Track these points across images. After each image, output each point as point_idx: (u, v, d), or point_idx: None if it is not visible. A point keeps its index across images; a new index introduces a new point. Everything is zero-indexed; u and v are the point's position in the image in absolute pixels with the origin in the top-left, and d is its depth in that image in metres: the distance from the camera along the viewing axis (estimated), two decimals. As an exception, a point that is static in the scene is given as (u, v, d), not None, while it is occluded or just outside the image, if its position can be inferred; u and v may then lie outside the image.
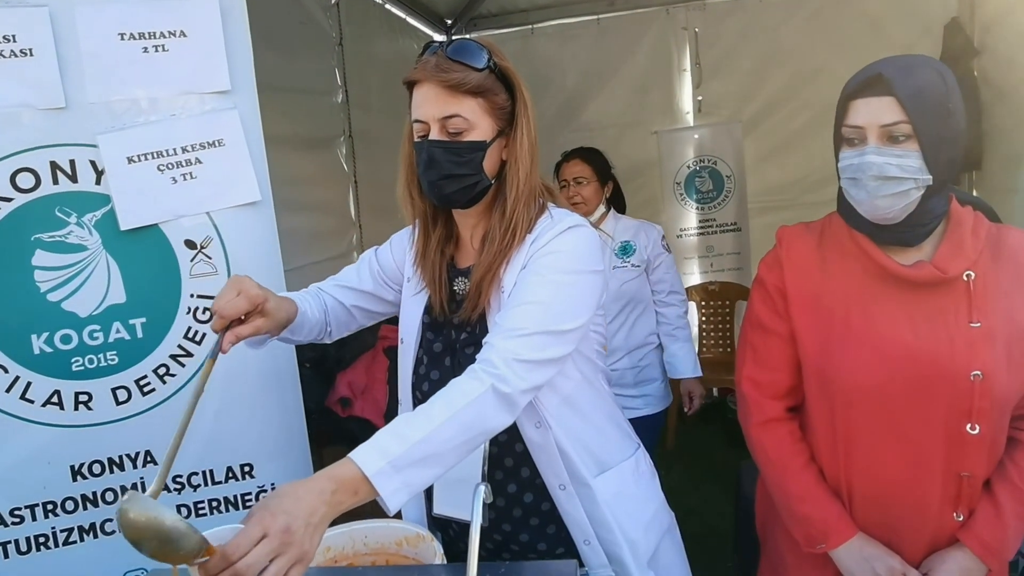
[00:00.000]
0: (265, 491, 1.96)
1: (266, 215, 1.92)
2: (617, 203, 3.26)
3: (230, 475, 1.93)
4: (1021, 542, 1.52)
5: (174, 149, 1.83)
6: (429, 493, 1.59)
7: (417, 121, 1.45)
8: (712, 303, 5.46)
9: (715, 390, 5.56)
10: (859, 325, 1.48)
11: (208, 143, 1.84)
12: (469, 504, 1.21)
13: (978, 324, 1.41)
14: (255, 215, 1.90)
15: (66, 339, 1.80)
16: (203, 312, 1.88)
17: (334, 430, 3.36)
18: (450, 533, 1.63)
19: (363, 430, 3.30)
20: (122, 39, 1.79)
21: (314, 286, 1.75)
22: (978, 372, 1.39)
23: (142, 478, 1.87)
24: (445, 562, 1.37)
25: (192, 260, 1.86)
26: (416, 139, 1.47)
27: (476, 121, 1.43)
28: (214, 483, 1.92)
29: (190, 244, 1.86)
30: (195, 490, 1.90)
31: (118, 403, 1.85)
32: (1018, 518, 1.47)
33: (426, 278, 1.58)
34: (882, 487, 1.51)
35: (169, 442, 1.23)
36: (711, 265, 5.53)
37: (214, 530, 1.17)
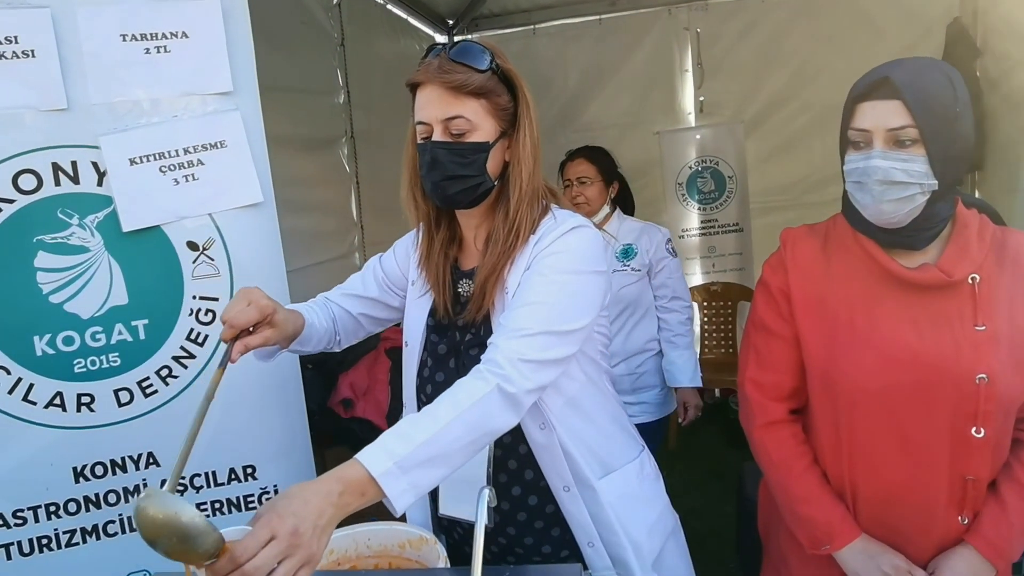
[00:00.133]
0: (268, 492, 1.96)
1: (268, 216, 1.92)
2: (624, 204, 3.18)
3: (233, 476, 1.93)
4: (1026, 544, 1.52)
5: (176, 150, 1.83)
6: (434, 495, 1.59)
7: (420, 123, 1.45)
8: (714, 304, 5.45)
9: (717, 391, 5.56)
10: (864, 328, 1.48)
11: (210, 144, 1.84)
12: (474, 505, 1.20)
13: (983, 327, 1.41)
14: (257, 216, 1.90)
15: (68, 341, 1.80)
16: (205, 314, 1.88)
17: (336, 431, 3.36)
18: (455, 536, 1.63)
19: (365, 431, 3.30)
20: (124, 40, 1.79)
21: (321, 296, 1.76)
22: (983, 375, 1.39)
23: (144, 480, 1.87)
24: (449, 565, 1.36)
25: (194, 262, 1.86)
26: (419, 141, 1.47)
27: (479, 122, 1.43)
28: (217, 485, 1.92)
29: (192, 246, 1.85)
30: (198, 491, 1.90)
31: (120, 405, 1.85)
32: (1025, 518, 1.47)
33: (430, 280, 1.58)
34: (886, 490, 1.51)
35: (175, 444, 1.22)
36: (713, 266, 5.53)
37: (222, 531, 1.18)
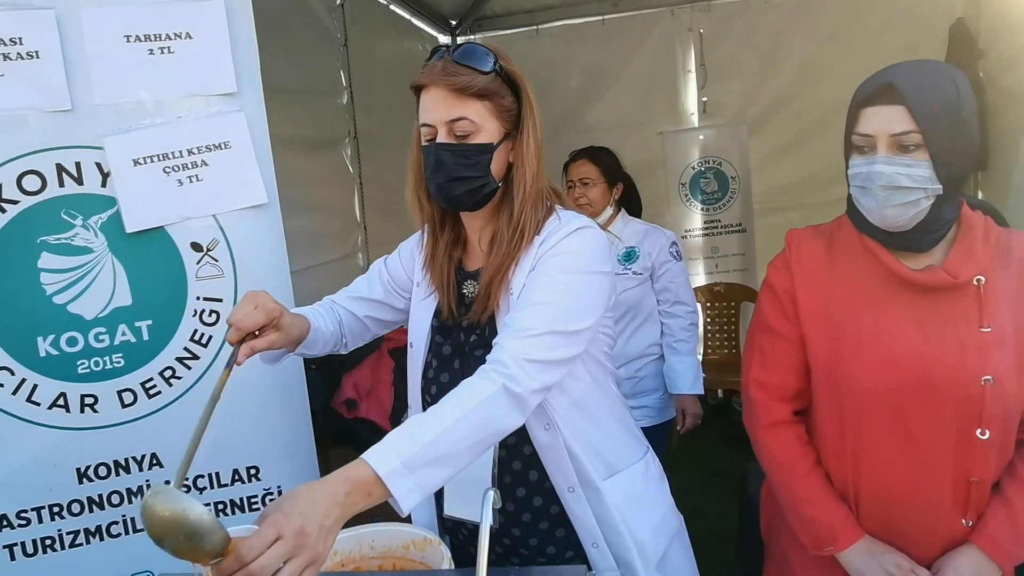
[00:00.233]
0: (271, 494, 1.96)
1: (273, 217, 1.92)
2: (630, 205, 3.14)
3: (236, 478, 1.93)
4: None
5: (180, 151, 1.83)
6: (439, 496, 1.59)
7: (424, 125, 1.46)
8: (717, 304, 5.45)
9: (720, 391, 5.56)
10: (869, 329, 1.47)
11: (214, 145, 1.84)
12: (479, 505, 1.20)
13: (989, 329, 1.40)
14: (261, 217, 1.90)
15: (72, 341, 1.80)
16: (209, 315, 1.88)
17: (340, 432, 3.36)
18: (459, 537, 1.63)
19: (368, 432, 3.31)
20: (128, 41, 1.79)
21: (327, 299, 1.77)
22: (989, 377, 1.39)
23: (148, 481, 1.87)
24: (453, 567, 1.36)
25: (198, 263, 1.86)
26: (424, 143, 1.48)
27: (483, 124, 1.44)
28: (220, 486, 1.92)
29: (196, 246, 1.86)
30: (201, 492, 1.90)
31: (124, 406, 1.85)
32: (1030, 518, 1.46)
33: (435, 281, 1.59)
34: (890, 491, 1.51)
35: (178, 445, 1.23)
36: (716, 266, 5.53)
37: (229, 530, 1.18)
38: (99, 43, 1.77)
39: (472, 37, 5.82)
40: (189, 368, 1.88)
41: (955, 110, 1.35)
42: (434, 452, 1.18)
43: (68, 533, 1.83)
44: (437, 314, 1.60)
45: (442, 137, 1.44)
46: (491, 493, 1.20)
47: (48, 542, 1.81)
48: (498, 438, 1.30)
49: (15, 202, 1.74)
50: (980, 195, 4.51)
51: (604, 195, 2.97)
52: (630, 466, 1.60)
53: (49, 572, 1.81)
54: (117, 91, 1.79)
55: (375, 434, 3.26)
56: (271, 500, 1.95)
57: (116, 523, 1.86)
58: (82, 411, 1.82)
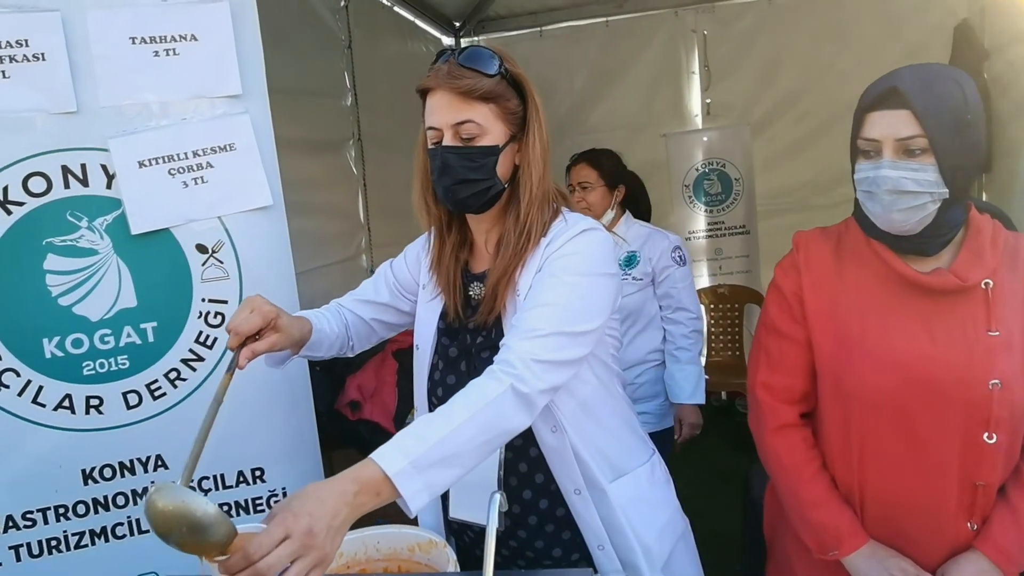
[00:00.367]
0: (276, 495, 1.96)
1: (278, 219, 1.92)
2: (637, 206, 3.09)
3: (241, 479, 1.93)
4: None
5: (185, 153, 1.82)
6: (445, 498, 1.59)
7: (431, 128, 1.47)
8: (721, 306, 5.45)
9: (723, 393, 5.56)
10: (876, 332, 1.47)
11: (219, 147, 1.84)
12: (485, 508, 1.21)
13: (997, 333, 1.40)
14: (267, 219, 1.90)
15: (77, 343, 1.80)
16: (215, 316, 1.88)
17: (344, 433, 3.36)
18: (465, 539, 1.63)
19: (372, 433, 3.31)
20: (133, 43, 1.79)
21: (334, 302, 1.78)
22: (996, 381, 1.38)
23: (153, 482, 1.87)
24: (458, 569, 1.36)
25: (203, 264, 1.86)
26: (430, 146, 1.49)
27: (488, 126, 1.44)
28: (225, 487, 1.92)
29: (201, 248, 1.85)
30: (206, 494, 1.90)
31: (129, 407, 1.85)
32: (1036, 523, 1.46)
33: (441, 284, 1.59)
34: (896, 495, 1.50)
35: (183, 447, 1.23)
36: (720, 268, 5.52)
37: (238, 528, 1.19)
38: (105, 45, 1.77)
39: (476, 39, 5.83)
40: (194, 370, 1.88)
41: (961, 114, 1.35)
42: (442, 452, 1.18)
43: (74, 534, 1.83)
44: (443, 316, 1.60)
45: (448, 140, 1.45)
46: (497, 496, 1.20)
47: (54, 543, 1.81)
48: (506, 439, 1.30)
49: (21, 204, 1.74)
50: (984, 197, 4.50)
51: (604, 198, 2.93)
52: (636, 468, 1.60)
53: (55, 573, 1.81)
54: (122, 93, 1.79)
55: (379, 436, 3.27)
56: (275, 502, 1.95)
57: (121, 524, 1.86)
58: (87, 412, 1.82)
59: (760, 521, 1.89)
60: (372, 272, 1.83)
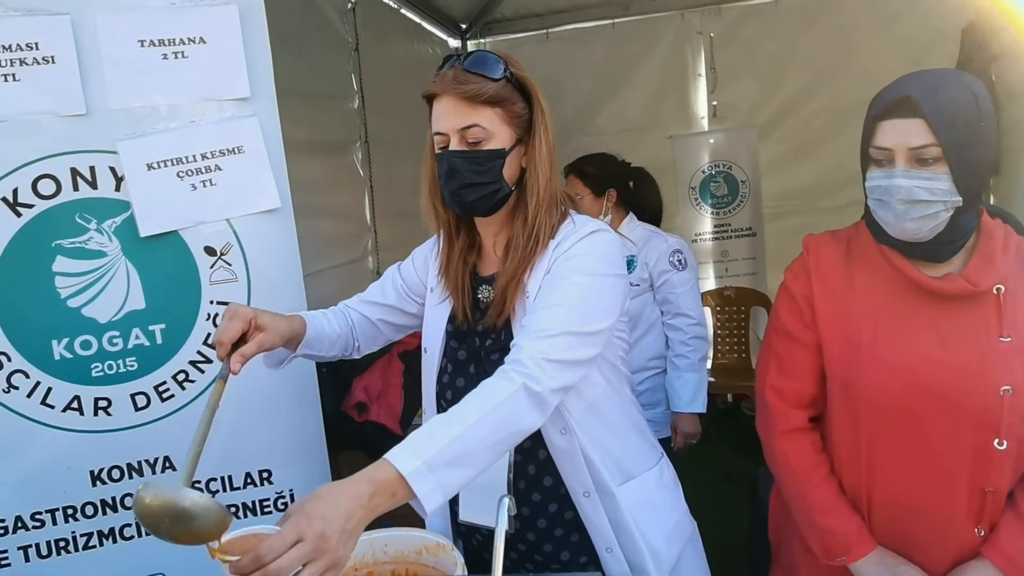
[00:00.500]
0: (283, 497, 1.96)
1: (286, 221, 1.92)
2: (641, 207, 3.04)
3: (248, 481, 1.93)
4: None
5: (194, 156, 1.83)
6: (453, 502, 1.59)
7: (437, 133, 1.48)
8: (727, 308, 5.43)
9: (729, 396, 5.55)
10: (886, 337, 1.46)
11: (227, 150, 1.85)
12: (494, 511, 1.21)
13: (1008, 339, 1.39)
14: (275, 222, 1.91)
15: (86, 345, 1.80)
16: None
17: (350, 435, 3.36)
18: (473, 543, 1.63)
19: (379, 435, 3.31)
20: (142, 46, 1.80)
21: (341, 304, 1.79)
22: (1008, 387, 1.37)
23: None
24: (466, 572, 1.36)
25: (212, 267, 1.86)
26: (437, 151, 1.50)
27: (494, 130, 1.45)
28: (232, 489, 1.93)
29: (210, 251, 1.86)
30: (213, 496, 1.90)
31: (137, 409, 1.85)
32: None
33: (450, 287, 1.60)
34: (904, 500, 1.50)
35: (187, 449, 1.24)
36: (726, 270, 5.51)
37: (252, 528, 1.22)
38: (114, 48, 1.77)
39: (482, 41, 5.83)
40: (202, 372, 1.89)
41: (974, 121, 1.34)
42: (455, 451, 1.18)
43: (82, 535, 1.83)
44: (452, 319, 1.60)
45: (454, 144, 1.45)
46: (506, 500, 1.21)
47: (62, 544, 1.82)
48: (518, 439, 1.30)
49: (30, 206, 1.75)
50: (992, 200, 4.49)
51: (593, 205, 2.88)
52: (644, 472, 1.60)
53: (63, 574, 1.82)
54: (131, 96, 1.80)
55: (385, 438, 3.27)
56: (283, 503, 1.96)
57: (129, 525, 1.87)
58: (96, 414, 1.82)
59: (766, 525, 1.88)
60: (378, 274, 1.83)
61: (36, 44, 1.71)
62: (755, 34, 5.34)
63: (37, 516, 1.80)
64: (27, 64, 1.71)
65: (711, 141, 5.46)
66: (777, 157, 5.44)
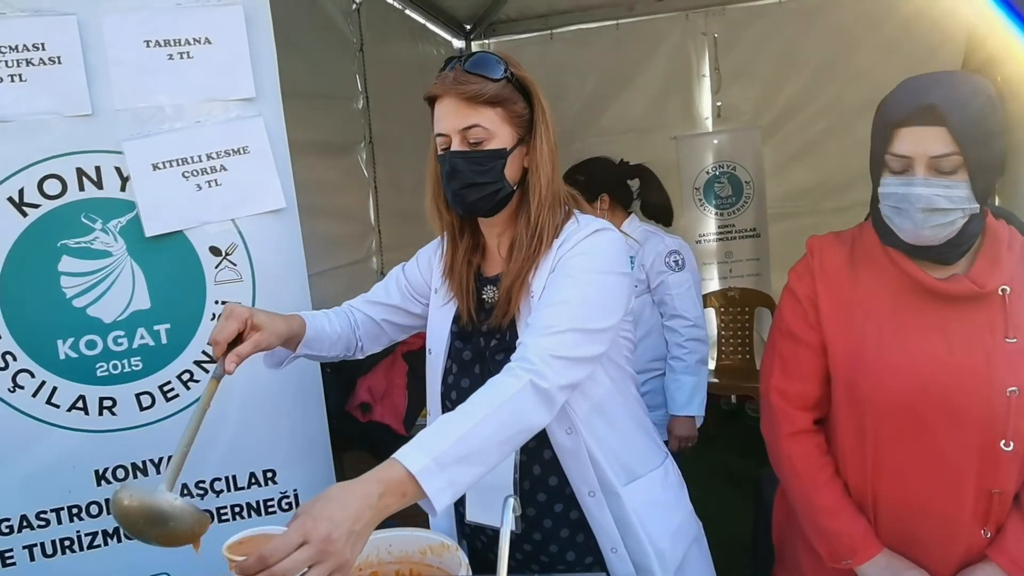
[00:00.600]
0: (287, 497, 1.96)
1: (291, 222, 1.93)
2: (647, 207, 2.99)
3: (253, 481, 1.94)
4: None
5: (199, 156, 1.83)
6: (459, 502, 1.59)
7: (439, 135, 1.49)
8: (731, 309, 5.43)
9: (733, 397, 5.54)
10: (891, 338, 1.46)
11: (233, 150, 1.85)
12: (499, 511, 1.21)
13: (1014, 340, 1.39)
14: (280, 222, 1.91)
15: (91, 344, 1.81)
16: (227, 319, 1.88)
17: (354, 435, 3.36)
18: (478, 544, 1.64)
19: (383, 435, 3.30)
20: (148, 46, 1.80)
21: (345, 304, 1.79)
22: (1015, 388, 1.37)
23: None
24: (470, 573, 1.36)
25: (217, 267, 1.87)
26: (439, 152, 1.50)
27: (495, 130, 1.46)
28: (236, 489, 1.93)
29: (215, 251, 1.86)
30: (218, 495, 1.91)
31: (142, 408, 1.86)
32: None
33: (454, 288, 1.60)
34: (910, 502, 1.49)
35: (195, 449, 1.25)
36: (730, 271, 5.50)
37: (263, 528, 1.23)
38: (119, 48, 1.78)
39: (486, 42, 5.83)
40: (207, 372, 1.89)
41: (992, 128, 1.34)
42: (464, 448, 1.18)
43: (87, 534, 1.84)
44: (456, 320, 1.61)
45: (456, 145, 1.46)
46: (511, 500, 1.20)
47: (67, 543, 1.82)
48: (526, 437, 1.30)
49: (36, 206, 1.75)
50: (996, 200, 4.48)
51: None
52: (650, 472, 1.60)
53: (68, 573, 1.82)
54: (137, 96, 1.80)
55: (389, 438, 3.27)
56: (287, 503, 1.96)
57: (134, 525, 1.87)
58: (100, 414, 1.82)
59: (770, 526, 1.88)
60: (382, 275, 1.84)
61: (42, 44, 1.72)
62: (759, 35, 5.32)
63: (42, 515, 1.80)
64: (33, 64, 1.71)
65: (715, 142, 5.46)
66: (781, 158, 5.43)
